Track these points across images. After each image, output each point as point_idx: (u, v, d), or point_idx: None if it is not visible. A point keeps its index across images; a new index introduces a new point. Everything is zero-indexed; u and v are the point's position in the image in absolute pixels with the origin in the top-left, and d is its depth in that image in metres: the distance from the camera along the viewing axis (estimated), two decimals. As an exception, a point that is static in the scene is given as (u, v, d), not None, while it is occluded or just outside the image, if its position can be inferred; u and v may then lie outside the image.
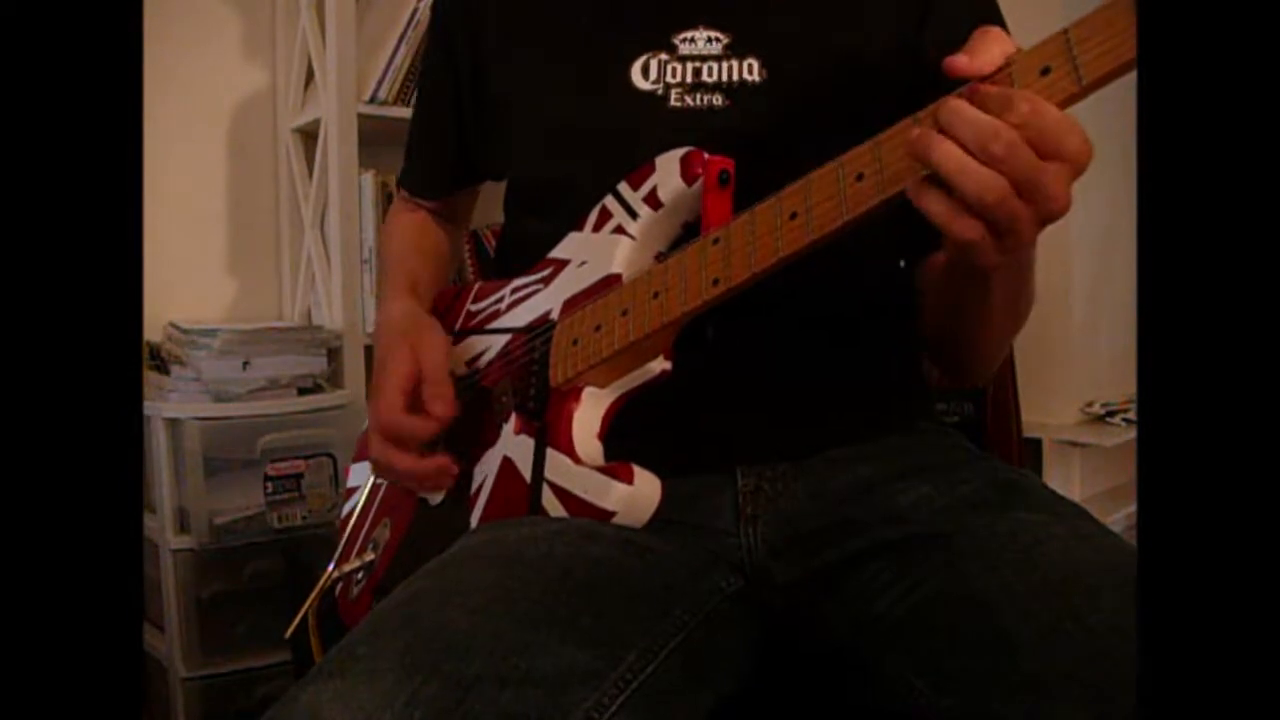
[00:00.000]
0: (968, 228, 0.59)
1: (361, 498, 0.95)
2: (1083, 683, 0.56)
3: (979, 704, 0.60)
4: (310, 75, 1.83)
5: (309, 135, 1.87)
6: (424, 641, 0.57)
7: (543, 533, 0.69)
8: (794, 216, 0.66)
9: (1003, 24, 0.87)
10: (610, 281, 0.78)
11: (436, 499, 0.85)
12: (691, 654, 0.66)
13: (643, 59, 0.83)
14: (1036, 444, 2.12)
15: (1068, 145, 0.57)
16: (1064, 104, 0.58)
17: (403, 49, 1.77)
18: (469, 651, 0.56)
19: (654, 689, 0.61)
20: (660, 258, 0.78)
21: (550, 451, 0.76)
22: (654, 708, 0.60)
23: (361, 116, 1.75)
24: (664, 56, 0.83)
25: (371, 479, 0.93)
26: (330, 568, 0.91)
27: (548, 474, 0.75)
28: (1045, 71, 0.58)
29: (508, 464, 0.79)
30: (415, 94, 1.09)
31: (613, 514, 0.71)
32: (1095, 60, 0.56)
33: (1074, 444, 2.13)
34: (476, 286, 0.94)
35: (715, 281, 0.69)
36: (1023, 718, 0.57)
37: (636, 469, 0.72)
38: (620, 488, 0.71)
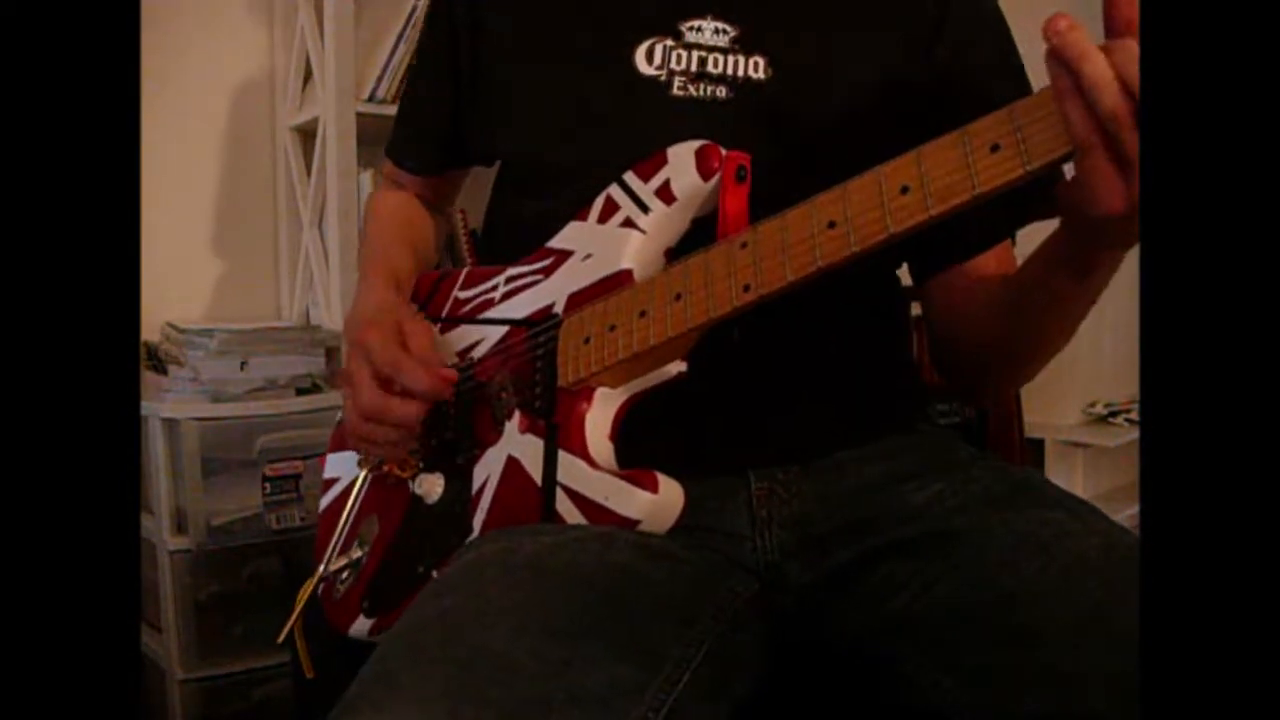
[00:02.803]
0: (1089, 132, 0.55)
1: (351, 492, 0.91)
2: (1110, 676, 0.56)
3: (1008, 698, 0.60)
4: (308, 73, 1.82)
5: (307, 134, 1.86)
6: (466, 666, 0.56)
7: (561, 541, 0.68)
8: (832, 225, 0.64)
9: (1008, 35, 0.87)
10: (621, 278, 0.76)
11: (433, 496, 0.82)
12: (718, 660, 0.65)
13: (648, 43, 0.82)
14: (1039, 445, 2.12)
15: None
16: None
17: (401, 47, 1.76)
18: (514, 674, 0.55)
19: (690, 697, 0.60)
20: (669, 254, 0.76)
21: (562, 454, 0.74)
22: (690, 715, 0.60)
23: (360, 115, 1.74)
24: (670, 42, 0.82)
25: (361, 472, 0.89)
26: (320, 568, 0.88)
27: (561, 478, 0.74)
28: None
29: (514, 464, 0.77)
30: (412, 65, 1.06)
31: (637, 522, 0.70)
32: None
33: (1077, 444, 2.13)
34: (465, 272, 0.91)
35: (746, 288, 0.68)
36: (1055, 710, 0.57)
37: (660, 476, 0.71)
38: (645, 496, 0.70)
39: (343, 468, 0.94)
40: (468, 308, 0.88)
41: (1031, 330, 0.80)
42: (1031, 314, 0.78)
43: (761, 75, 0.81)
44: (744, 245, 0.69)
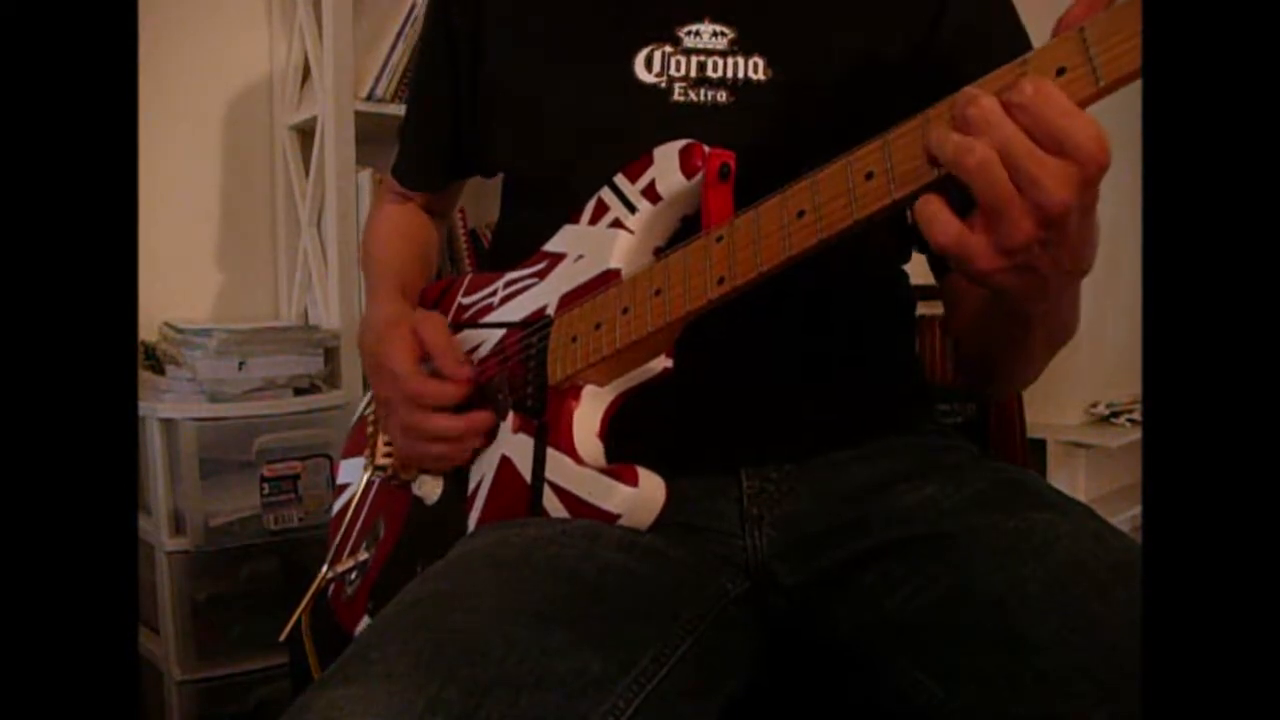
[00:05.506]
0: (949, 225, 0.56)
1: (355, 495, 0.93)
2: (1098, 681, 0.56)
3: (994, 703, 0.60)
4: (307, 73, 1.82)
5: (306, 133, 1.86)
6: (438, 645, 0.56)
7: (548, 535, 0.69)
8: (801, 215, 0.64)
9: (1021, 29, 0.86)
10: (609, 277, 0.76)
11: (433, 497, 0.84)
12: (701, 657, 0.65)
13: (646, 50, 0.82)
14: (1041, 445, 2.12)
15: (1072, 139, 0.53)
16: (1080, 106, 0.55)
17: (400, 46, 1.76)
18: (484, 655, 0.56)
19: (666, 692, 0.61)
20: (659, 252, 0.76)
21: (550, 451, 0.75)
22: (667, 711, 0.60)
23: (359, 114, 1.74)
24: (668, 49, 0.82)
25: (365, 476, 0.91)
26: (324, 569, 0.90)
27: (548, 474, 0.74)
28: (1060, 72, 0.55)
29: (506, 463, 0.78)
30: (411, 81, 1.07)
31: (617, 516, 0.71)
32: (1115, 60, 0.53)
33: (1079, 445, 2.13)
34: (468, 279, 0.92)
35: (720, 280, 0.68)
36: (1044, 714, 0.57)
37: (641, 470, 0.71)
38: (624, 490, 0.71)
39: (353, 474, 0.96)
40: (470, 313, 0.89)
41: (1000, 356, 0.80)
42: (982, 340, 0.78)
43: (761, 76, 0.81)
44: (719, 239, 0.69)
